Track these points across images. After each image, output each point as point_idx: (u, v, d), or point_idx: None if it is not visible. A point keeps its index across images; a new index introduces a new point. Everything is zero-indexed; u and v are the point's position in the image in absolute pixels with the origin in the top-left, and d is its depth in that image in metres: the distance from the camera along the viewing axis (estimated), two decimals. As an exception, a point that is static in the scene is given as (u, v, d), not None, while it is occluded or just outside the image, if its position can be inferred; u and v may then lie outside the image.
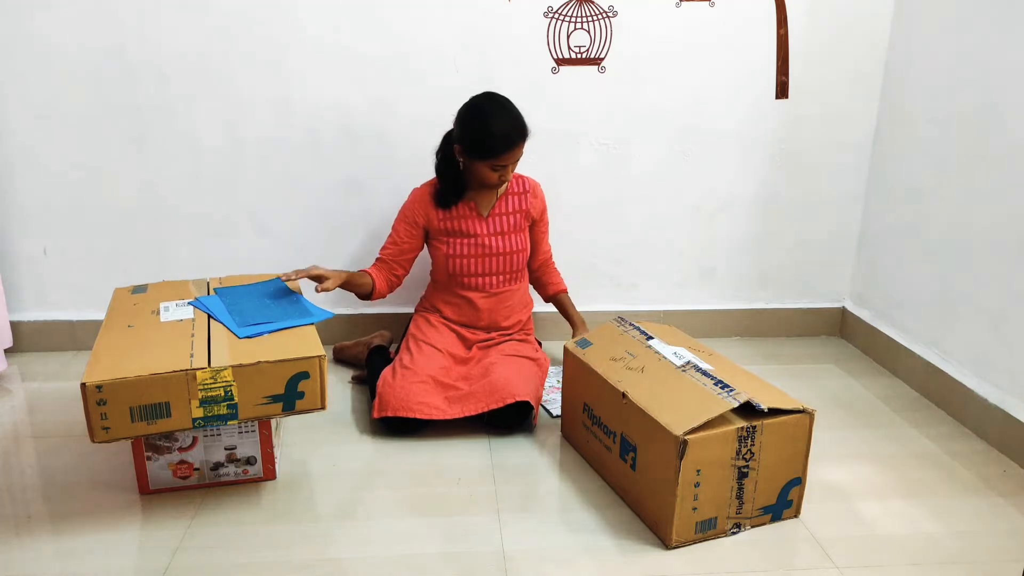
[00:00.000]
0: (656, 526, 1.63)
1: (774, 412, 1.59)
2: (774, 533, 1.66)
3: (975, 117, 2.10)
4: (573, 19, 2.41)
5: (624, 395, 1.69)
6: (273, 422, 1.80)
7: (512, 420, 2.01)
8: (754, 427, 1.57)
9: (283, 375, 1.63)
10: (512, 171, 2.13)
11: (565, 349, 1.97)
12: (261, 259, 2.53)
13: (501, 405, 1.96)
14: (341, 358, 2.49)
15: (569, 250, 2.55)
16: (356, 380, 2.37)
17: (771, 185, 2.62)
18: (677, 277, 2.70)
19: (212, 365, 1.58)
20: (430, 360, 2.11)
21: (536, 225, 2.29)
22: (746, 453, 1.58)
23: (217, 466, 1.78)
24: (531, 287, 2.41)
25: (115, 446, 1.90)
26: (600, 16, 2.41)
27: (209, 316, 1.83)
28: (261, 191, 2.48)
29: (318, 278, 2.01)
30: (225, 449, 1.77)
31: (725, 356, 1.84)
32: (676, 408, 1.59)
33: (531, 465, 1.92)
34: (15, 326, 2.50)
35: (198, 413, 1.59)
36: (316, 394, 1.67)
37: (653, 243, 2.65)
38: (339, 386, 2.34)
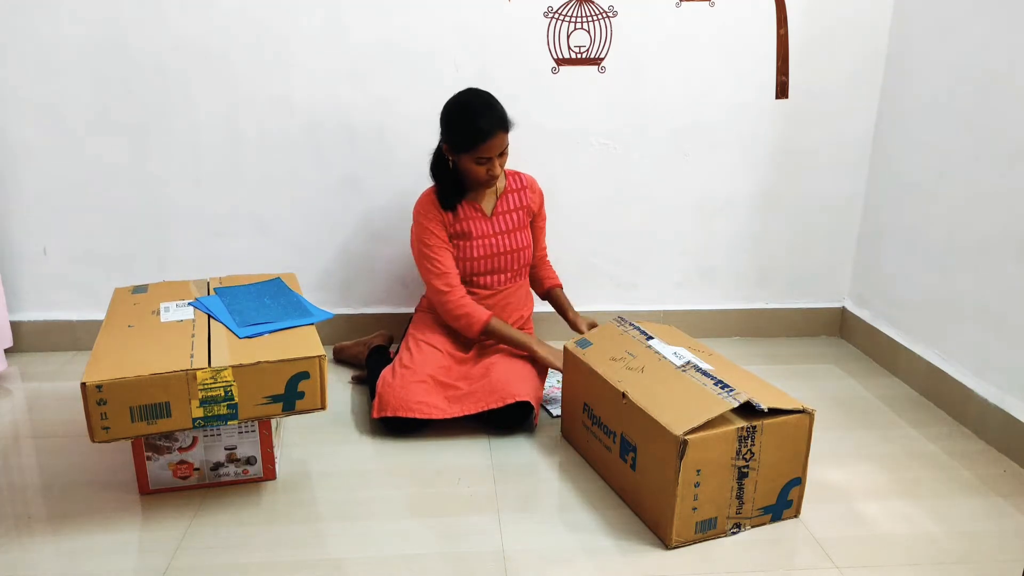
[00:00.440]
0: (656, 526, 1.63)
1: (774, 412, 1.59)
2: (774, 533, 1.66)
3: (975, 117, 2.10)
4: (573, 19, 2.41)
5: (624, 395, 1.69)
6: (273, 422, 1.80)
7: (512, 420, 2.01)
8: (754, 427, 1.57)
9: (283, 375, 1.63)
10: (501, 166, 2.09)
11: (565, 349, 1.97)
12: (261, 259, 2.53)
13: (501, 405, 1.96)
14: (341, 358, 2.49)
15: (569, 250, 2.55)
16: (356, 380, 2.37)
17: (771, 185, 2.62)
18: (677, 277, 2.70)
19: (212, 365, 1.59)
20: (430, 360, 2.11)
21: (535, 220, 2.29)
22: (746, 453, 1.58)
23: (217, 466, 1.78)
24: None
25: (115, 446, 1.90)
26: (600, 16, 2.41)
27: (209, 316, 1.83)
28: (261, 191, 2.48)
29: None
30: (225, 449, 1.77)
31: (725, 356, 1.84)
32: (676, 408, 1.59)
33: (531, 465, 1.92)
34: (15, 326, 2.50)
35: (198, 413, 1.59)
36: (316, 394, 1.67)
37: (653, 243, 2.65)
38: (339, 386, 2.34)
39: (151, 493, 1.76)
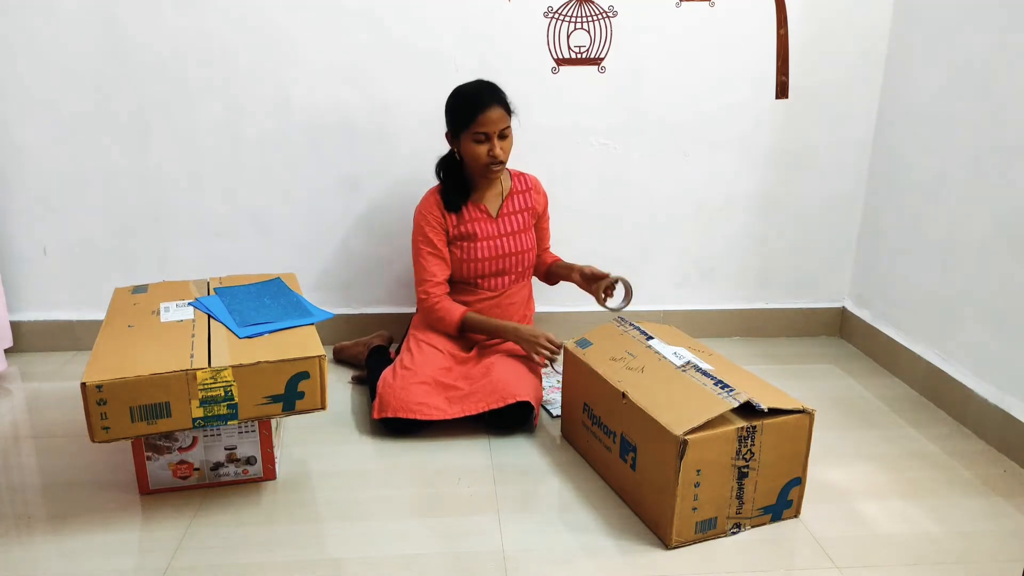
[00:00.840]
0: (656, 526, 1.63)
1: (774, 412, 1.59)
2: (774, 533, 1.66)
3: (975, 117, 2.10)
4: (573, 19, 2.41)
5: (624, 395, 1.69)
6: (273, 422, 1.80)
7: (512, 420, 2.01)
8: (754, 427, 1.57)
9: (283, 375, 1.63)
10: (503, 150, 2.08)
11: (565, 349, 1.97)
12: (261, 259, 2.53)
13: (502, 405, 1.96)
14: (341, 358, 2.49)
15: (569, 250, 2.54)
16: (356, 380, 2.37)
17: (771, 185, 2.62)
18: (677, 277, 2.70)
19: (212, 365, 1.59)
20: (430, 360, 2.10)
21: (539, 222, 2.29)
22: (746, 453, 1.58)
23: (217, 466, 1.78)
24: (535, 280, 2.40)
25: (115, 446, 1.90)
26: (600, 16, 2.41)
27: (209, 316, 1.83)
28: (261, 191, 2.48)
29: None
30: (225, 449, 1.77)
31: (725, 356, 1.84)
32: (676, 408, 1.59)
33: (531, 465, 1.92)
34: (15, 326, 2.50)
35: (198, 413, 1.59)
36: (316, 394, 1.67)
37: (653, 243, 2.65)
38: (339, 386, 2.34)
39: (151, 493, 1.76)
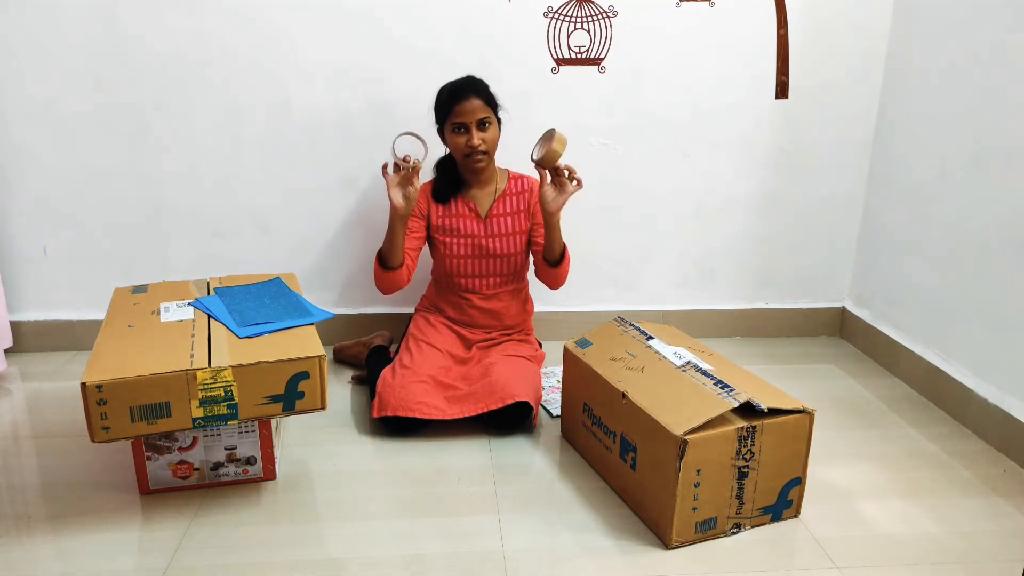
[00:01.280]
0: (656, 526, 1.63)
1: (774, 412, 1.59)
2: (774, 533, 1.66)
3: (975, 117, 2.10)
4: (573, 19, 2.41)
5: (624, 395, 1.69)
6: (273, 422, 1.80)
7: (512, 420, 2.01)
8: (754, 427, 1.57)
9: (283, 375, 1.63)
10: (484, 141, 2.08)
11: (565, 349, 1.97)
12: (261, 259, 2.53)
13: (501, 405, 1.96)
14: (341, 358, 2.49)
15: (569, 250, 2.54)
16: (356, 380, 2.37)
17: (771, 185, 2.62)
18: (677, 277, 2.70)
19: (212, 365, 1.59)
20: (430, 360, 2.11)
21: (535, 218, 2.25)
22: (746, 453, 1.58)
23: (217, 466, 1.78)
24: (538, 278, 2.34)
25: (115, 446, 1.90)
26: (600, 16, 2.41)
27: (209, 316, 1.83)
28: (261, 191, 2.48)
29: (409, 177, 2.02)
30: (225, 449, 1.77)
31: (725, 356, 1.84)
32: (676, 408, 1.59)
33: (531, 465, 1.92)
34: (15, 326, 2.50)
35: (198, 413, 1.59)
36: (316, 394, 1.67)
37: (653, 243, 2.65)
38: (339, 386, 2.34)
39: (151, 493, 1.76)
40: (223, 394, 1.59)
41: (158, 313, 1.86)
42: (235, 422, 1.62)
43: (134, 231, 2.49)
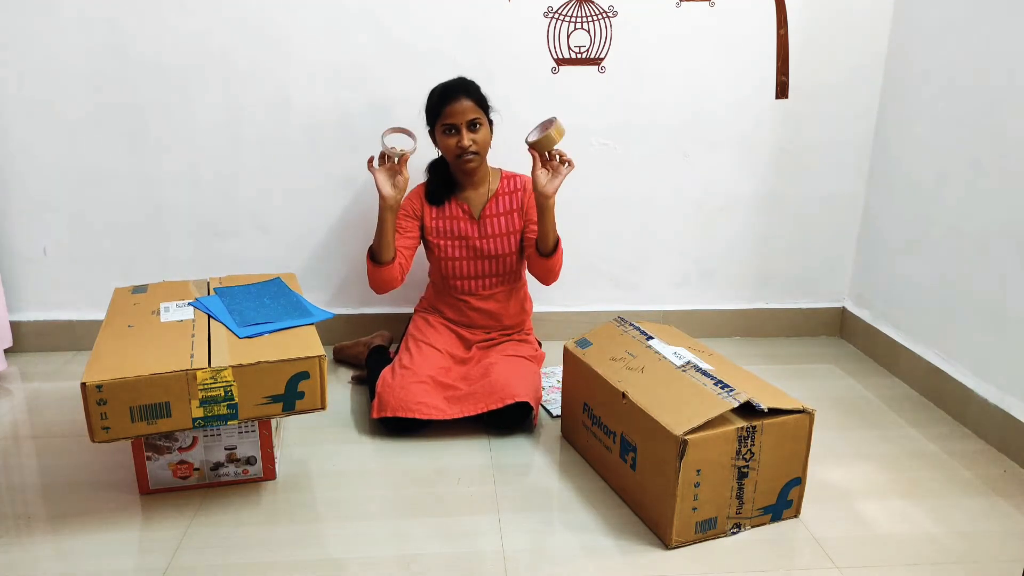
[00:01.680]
0: (656, 526, 1.63)
1: (774, 412, 1.59)
2: (774, 533, 1.66)
3: (975, 117, 2.10)
4: (573, 19, 2.41)
5: (624, 395, 1.69)
6: (273, 422, 1.80)
7: (512, 421, 2.01)
8: (754, 427, 1.57)
9: (283, 375, 1.63)
10: (475, 142, 2.07)
11: (565, 349, 1.97)
12: (261, 259, 2.53)
13: (501, 406, 1.96)
14: (341, 358, 2.49)
15: (569, 250, 2.54)
16: (356, 380, 2.37)
17: (771, 185, 2.62)
18: (677, 277, 2.70)
19: (212, 365, 1.59)
20: (429, 360, 2.11)
21: (529, 213, 2.21)
22: (746, 453, 1.58)
23: (217, 466, 1.78)
24: (531, 272, 2.31)
25: (115, 446, 1.90)
26: (600, 16, 2.41)
27: (209, 316, 1.83)
28: (261, 191, 2.48)
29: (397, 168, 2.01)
30: (225, 449, 1.77)
31: (725, 356, 1.84)
32: (676, 408, 1.59)
33: (531, 465, 1.92)
34: (15, 326, 2.50)
35: (198, 413, 1.59)
36: (316, 394, 1.67)
37: (653, 243, 2.65)
38: (339, 386, 2.34)
39: (151, 493, 1.76)
40: (223, 394, 1.59)
41: (158, 313, 1.86)
42: (235, 422, 1.62)
43: (134, 231, 2.49)
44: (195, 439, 1.75)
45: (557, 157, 2.00)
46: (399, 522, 1.68)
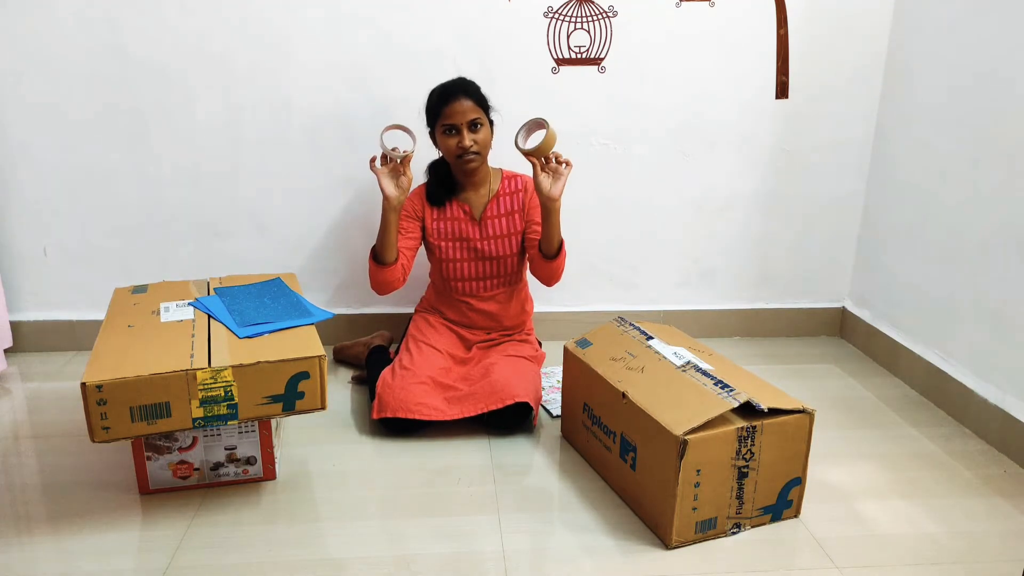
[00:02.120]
0: (656, 526, 1.63)
1: (774, 412, 1.59)
2: (774, 533, 1.66)
3: (975, 117, 2.10)
4: (573, 19, 2.41)
5: (624, 395, 1.69)
6: (273, 422, 1.80)
7: (512, 421, 2.01)
8: (754, 427, 1.57)
9: (283, 375, 1.63)
10: (475, 143, 2.06)
11: (565, 349, 1.97)
12: (261, 259, 2.53)
13: (501, 406, 1.96)
14: (341, 358, 2.49)
15: (569, 250, 2.54)
16: (356, 380, 2.37)
17: (771, 185, 2.62)
18: (677, 277, 2.70)
19: (212, 365, 1.59)
20: (430, 361, 2.11)
21: (530, 213, 2.21)
22: (746, 453, 1.58)
23: (217, 466, 1.78)
24: (533, 274, 2.31)
25: (115, 446, 1.90)
26: (600, 16, 2.41)
27: (209, 316, 1.83)
28: (261, 191, 2.48)
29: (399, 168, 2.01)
30: (225, 449, 1.77)
31: (725, 356, 1.84)
32: (676, 408, 1.59)
33: (531, 465, 1.92)
34: (15, 326, 2.50)
35: (198, 413, 1.59)
36: (316, 394, 1.67)
37: (653, 243, 2.65)
38: (339, 386, 2.34)
39: (151, 493, 1.76)
40: (223, 394, 1.59)
41: (158, 313, 1.86)
42: (235, 422, 1.62)
43: (134, 231, 2.49)
44: (195, 439, 1.75)
45: (554, 159, 2.00)
46: (399, 522, 1.68)
